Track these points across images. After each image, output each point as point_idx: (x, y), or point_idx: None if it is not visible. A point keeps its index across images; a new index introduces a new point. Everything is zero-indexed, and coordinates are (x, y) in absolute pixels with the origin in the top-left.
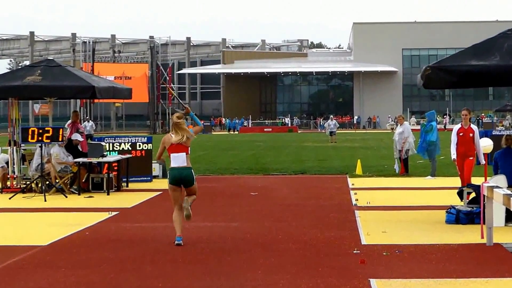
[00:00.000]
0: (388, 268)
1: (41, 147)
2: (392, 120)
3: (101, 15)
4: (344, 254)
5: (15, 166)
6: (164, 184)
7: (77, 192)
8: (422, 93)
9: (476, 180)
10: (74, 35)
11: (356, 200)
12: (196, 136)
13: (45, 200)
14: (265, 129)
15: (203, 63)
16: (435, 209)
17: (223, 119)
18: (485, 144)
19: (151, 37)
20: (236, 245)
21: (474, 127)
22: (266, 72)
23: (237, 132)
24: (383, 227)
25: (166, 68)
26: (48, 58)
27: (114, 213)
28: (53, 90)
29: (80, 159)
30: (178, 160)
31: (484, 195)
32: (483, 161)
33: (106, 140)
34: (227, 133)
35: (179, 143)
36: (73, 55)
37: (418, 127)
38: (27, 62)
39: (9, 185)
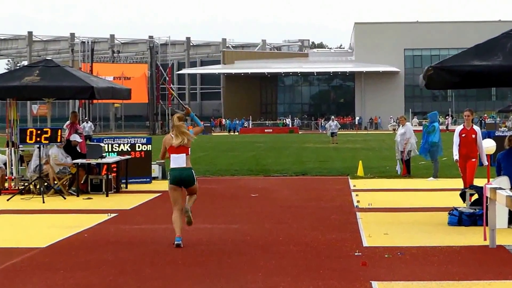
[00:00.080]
0: (390, 271)
1: (39, 148)
2: (394, 121)
3: (100, 15)
4: (345, 256)
5: (13, 167)
6: (163, 185)
7: (75, 194)
8: (424, 94)
9: (478, 182)
10: (72, 35)
11: (358, 201)
12: (196, 137)
13: (44, 202)
14: (265, 130)
15: (203, 63)
16: (437, 211)
17: (223, 120)
18: (488, 145)
19: (151, 37)
20: (236, 247)
21: (476, 128)
22: (267, 73)
23: (237, 133)
24: (385, 229)
25: (165, 69)
26: (47, 58)
27: (113, 214)
28: (51, 90)
29: (79, 160)
30: (178, 161)
31: (487, 197)
32: (485, 162)
33: (105, 141)
34: (227, 134)
35: (180, 145)
36: (72, 55)
37: (420, 128)
38: (25, 62)
39: (7, 187)
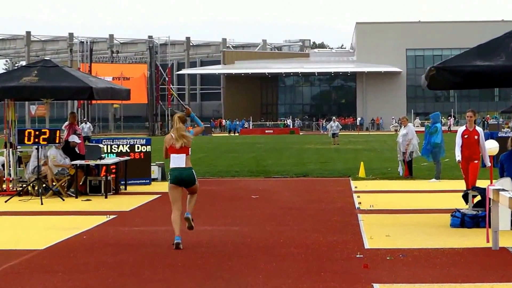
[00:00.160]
0: (392, 273)
1: (37, 149)
2: (395, 122)
3: (99, 15)
4: (346, 258)
5: (11, 168)
6: (163, 187)
7: (74, 195)
8: (427, 94)
9: (481, 183)
10: (71, 35)
11: (359, 203)
12: (195, 137)
13: (42, 203)
14: (266, 131)
15: (203, 63)
16: (440, 213)
17: (223, 120)
18: (491, 146)
19: (150, 37)
20: (236, 249)
21: (479, 129)
22: (267, 73)
23: (237, 134)
24: (387, 230)
25: (165, 69)
26: (45, 58)
27: (112, 216)
28: (50, 91)
29: (78, 162)
30: (178, 161)
31: (489, 198)
32: (488, 164)
33: (104, 142)
34: (227, 135)
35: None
36: (70, 55)
37: (423, 128)
38: (24, 63)
39: (5, 188)
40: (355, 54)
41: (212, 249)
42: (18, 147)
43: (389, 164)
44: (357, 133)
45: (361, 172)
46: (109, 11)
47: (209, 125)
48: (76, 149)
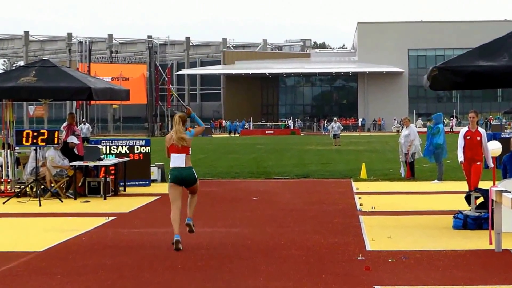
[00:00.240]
0: (394, 275)
1: (36, 150)
2: (397, 123)
3: (97, 15)
4: (348, 260)
5: (9, 169)
6: (162, 188)
7: (73, 197)
8: (429, 95)
9: (484, 184)
10: (70, 34)
11: (361, 205)
12: (195, 137)
13: (40, 205)
14: (266, 132)
15: (203, 63)
16: (442, 214)
17: (224, 121)
18: (494, 147)
19: (149, 37)
20: (237, 251)
21: (481, 130)
22: (268, 73)
23: (238, 135)
24: (389, 232)
25: (164, 69)
26: (43, 58)
27: (111, 218)
28: (48, 91)
29: (76, 163)
30: (177, 160)
31: (492, 200)
32: (491, 165)
33: (103, 143)
34: (227, 135)
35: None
36: (69, 55)
37: (425, 129)
38: (22, 63)
39: (3, 190)
40: (356, 54)
41: (212, 251)
42: (16, 148)
43: (391, 165)
44: (358, 134)
45: (363, 173)
46: (108, 11)
47: (209, 126)
48: (75, 150)
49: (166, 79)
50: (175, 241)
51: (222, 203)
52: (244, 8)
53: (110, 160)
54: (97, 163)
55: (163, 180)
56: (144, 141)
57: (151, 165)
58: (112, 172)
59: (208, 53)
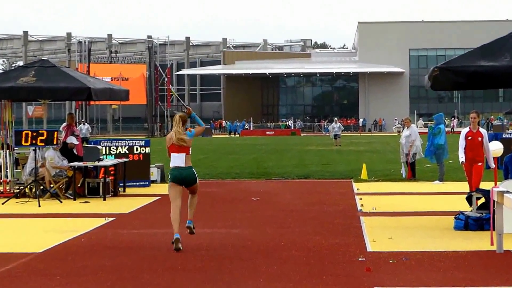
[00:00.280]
0: (395, 276)
1: (35, 150)
2: (398, 123)
3: (97, 14)
4: (348, 261)
5: (8, 170)
6: (162, 189)
7: (72, 197)
8: (430, 95)
9: (485, 185)
10: (69, 34)
11: (361, 205)
12: (196, 137)
13: (39, 206)
14: (267, 132)
15: (203, 63)
16: (443, 215)
17: (224, 121)
18: (495, 148)
19: (149, 36)
20: (237, 252)
21: (483, 130)
22: (268, 73)
23: (238, 135)
24: (389, 233)
25: (164, 69)
26: (43, 58)
27: (111, 219)
28: (47, 91)
29: (76, 163)
30: (177, 160)
31: (494, 201)
32: (492, 165)
33: (103, 143)
34: (227, 136)
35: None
36: (68, 55)
37: (426, 130)
38: (21, 63)
39: (2, 190)
40: (357, 54)
41: (212, 252)
42: (15, 148)
43: (391, 165)
44: (359, 134)
45: (363, 174)
46: (108, 11)
47: (209, 126)
48: (74, 151)
49: (166, 79)
50: (175, 240)
51: (222, 203)
52: (244, 8)
53: (109, 161)
54: (96, 163)
55: (163, 180)
56: (143, 141)
57: (150, 165)
58: (112, 172)
59: (208, 53)
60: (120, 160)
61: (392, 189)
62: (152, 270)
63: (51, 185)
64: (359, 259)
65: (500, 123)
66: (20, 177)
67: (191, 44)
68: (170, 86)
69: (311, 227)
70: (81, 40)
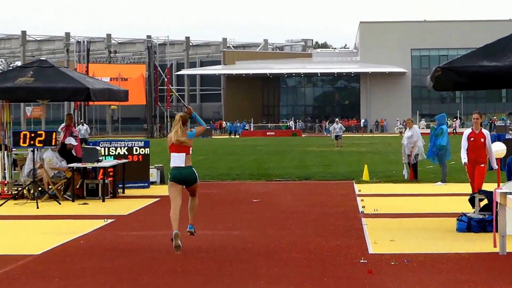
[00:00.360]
0: (396, 279)
1: (33, 151)
2: (400, 124)
3: (96, 14)
4: (350, 263)
5: (6, 171)
6: (162, 190)
7: (71, 199)
8: (432, 95)
9: (488, 186)
10: (68, 34)
11: (363, 207)
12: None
13: (38, 207)
14: (267, 133)
15: (203, 63)
16: (446, 217)
17: (224, 122)
18: (498, 149)
19: (149, 36)
20: (237, 254)
21: (485, 131)
22: (269, 73)
23: (238, 136)
24: (391, 235)
25: (164, 69)
26: (41, 58)
27: (109, 220)
28: (46, 92)
29: (74, 164)
30: (177, 160)
31: (497, 202)
32: (495, 166)
33: (102, 144)
34: (228, 137)
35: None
36: (67, 55)
37: (428, 130)
38: (19, 63)
39: (0, 192)
40: (358, 54)
41: (212, 254)
42: (13, 149)
43: (393, 167)
44: (360, 135)
45: (365, 175)
46: (107, 10)
47: (209, 127)
48: (73, 152)
49: (166, 79)
50: (174, 236)
51: (222, 205)
52: (244, 8)
53: (108, 162)
54: (95, 164)
55: (162, 182)
56: (143, 142)
57: (150, 166)
58: (111, 174)
59: (208, 53)
60: (119, 161)
61: (394, 190)
62: (152, 272)
63: (50, 187)
64: (361, 261)
65: (503, 124)
66: (18, 178)
67: (191, 44)
68: (170, 86)
69: (312, 229)
70: (79, 40)
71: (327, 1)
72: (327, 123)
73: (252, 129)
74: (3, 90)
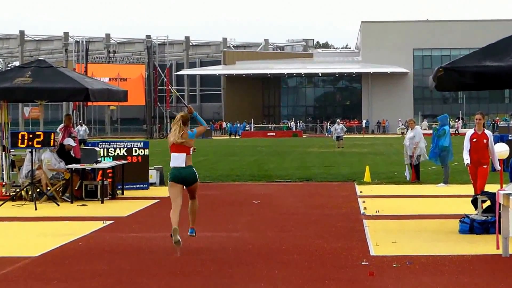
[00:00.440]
0: (398, 281)
1: (31, 152)
2: (402, 124)
3: (95, 13)
4: (351, 265)
5: (4, 172)
6: (161, 191)
7: (69, 200)
8: (434, 96)
9: (491, 188)
10: (66, 34)
11: (365, 208)
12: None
13: (36, 209)
14: (268, 134)
15: (203, 63)
16: (448, 218)
17: (224, 123)
18: (501, 150)
19: (148, 36)
20: (237, 256)
21: (488, 132)
22: (269, 74)
23: (238, 137)
24: (393, 237)
25: (163, 69)
26: (39, 58)
27: (108, 222)
28: (44, 92)
29: (73, 165)
30: (177, 160)
31: (499, 203)
32: (498, 168)
33: (100, 145)
34: (228, 137)
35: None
36: (66, 55)
37: (430, 131)
38: (17, 63)
39: None
40: (360, 54)
41: (213, 256)
42: (11, 150)
43: (395, 168)
44: (362, 136)
45: (367, 177)
46: (106, 10)
47: (209, 128)
48: (72, 153)
49: (165, 79)
50: (173, 230)
51: (222, 206)
52: (245, 7)
53: (107, 163)
54: (94, 165)
55: (162, 183)
56: (142, 143)
57: (149, 168)
58: (110, 175)
59: (208, 53)
60: (118, 162)
61: (395, 191)
62: (151, 274)
63: (48, 188)
64: (362, 263)
65: (506, 125)
66: (16, 179)
67: (190, 44)
68: (171, 86)
69: (313, 231)
70: (78, 39)
71: (328, 0)
72: (328, 123)
73: (252, 130)
74: (1, 90)
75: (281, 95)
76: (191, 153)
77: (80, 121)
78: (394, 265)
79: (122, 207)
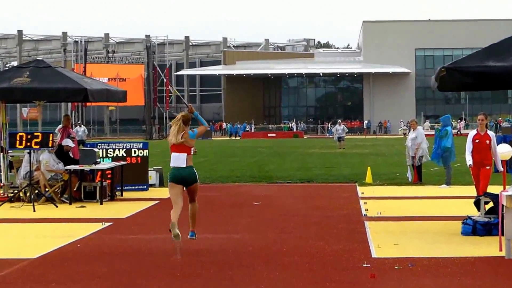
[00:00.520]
0: (400, 283)
1: (29, 153)
2: (404, 125)
3: (94, 13)
4: (353, 267)
5: (2, 174)
6: (160, 193)
7: (68, 202)
8: (437, 96)
9: (494, 189)
10: (65, 34)
11: (366, 210)
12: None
13: (34, 210)
14: (268, 135)
15: (203, 63)
16: (451, 220)
17: (224, 123)
18: (504, 151)
19: (147, 36)
20: (238, 258)
21: (491, 133)
22: (270, 74)
23: (239, 138)
24: (395, 239)
25: (163, 69)
26: (38, 58)
27: (107, 224)
28: (42, 92)
29: (72, 167)
30: (177, 160)
31: (502, 205)
32: (501, 169)
33: (99, 146)
34: (228, 138)
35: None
36: (64, 55)
37: (432, 132)
38: (15, 63)
39: None
40: (361, 54)
41: (213, 258)
42: (9, 151)
43: (397, 169)
44: (363, 136)
45: (368, 178)
46: (105, 9)
47: (209, 129)
48: (70, 154)
49: (165, 80)
50: (172, 225)
51: (222, 208)
52: (245, 7)
53: (106, 164)
54: (93, 167)
55: (161, 184)
56: (141, 144)
57: (149, 169)
58: (109, 176)
59: (208, 53)
60: (118, 163)
61: (397, 193)
62: (151, 276)
63: (46, 189)
64: (364, 265)
65: (509, 125)
66: (14, 180)
67: (190, 43)
68: (171, 86)
69: (314, 232)
70: (77, 39)
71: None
72: (329, 124)
73: (253, 131)
74: None
75: (281, 96)
76: (192, 153)
77: (79, 122)
78: (396, 267)
79: (121, 209)
